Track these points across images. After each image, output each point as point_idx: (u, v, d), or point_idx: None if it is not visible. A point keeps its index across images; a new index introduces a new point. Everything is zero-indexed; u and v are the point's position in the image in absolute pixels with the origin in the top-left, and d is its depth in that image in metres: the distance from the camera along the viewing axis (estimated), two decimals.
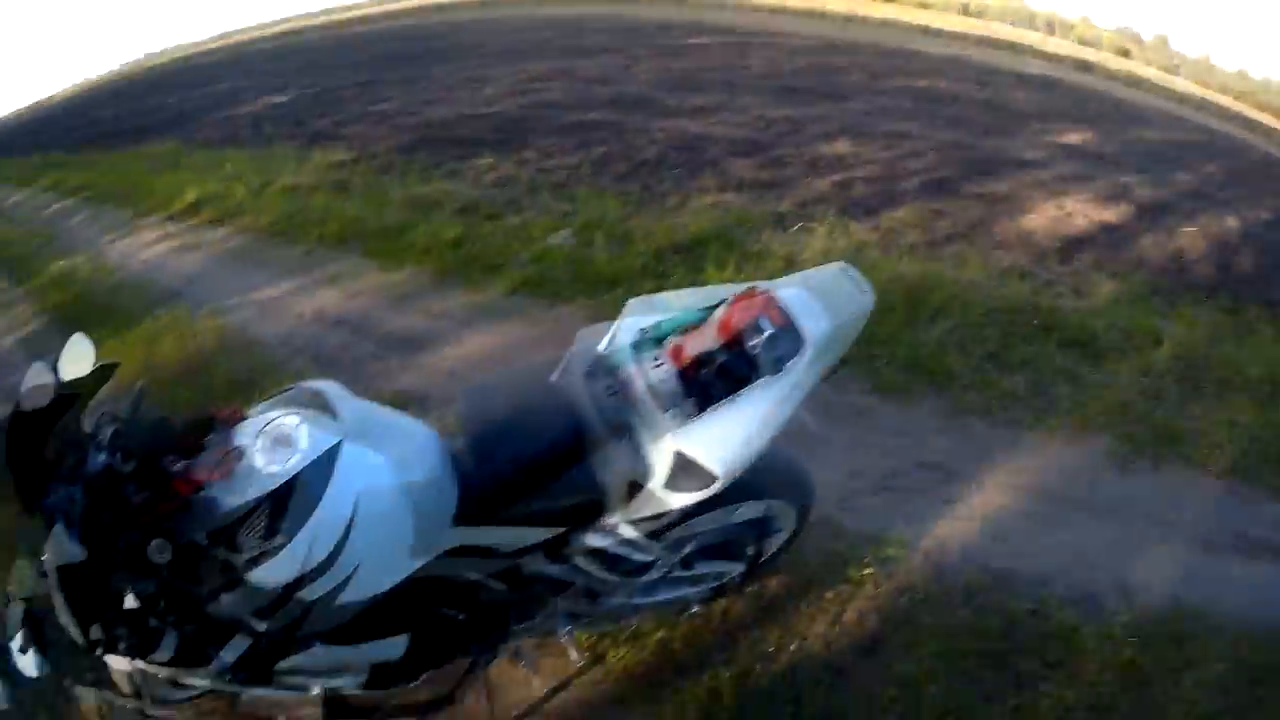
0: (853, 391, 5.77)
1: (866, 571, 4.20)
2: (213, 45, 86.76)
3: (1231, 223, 9.94)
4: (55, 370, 2.60)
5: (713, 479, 2.77)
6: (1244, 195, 11.28)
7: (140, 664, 2.79)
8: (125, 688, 3.42)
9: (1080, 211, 9.34)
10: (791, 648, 3.89)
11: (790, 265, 7.53)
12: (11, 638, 2.42)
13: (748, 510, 3.50)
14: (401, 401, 6.23)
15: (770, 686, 3.74)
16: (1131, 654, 3.71)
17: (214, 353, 8.10)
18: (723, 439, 2.76)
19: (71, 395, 2.49)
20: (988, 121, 13.28)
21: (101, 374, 2.59)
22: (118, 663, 3.21)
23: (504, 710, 3.92)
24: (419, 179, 12.87)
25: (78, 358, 2.68)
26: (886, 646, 3.86)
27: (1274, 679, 3.67)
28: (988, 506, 4.66)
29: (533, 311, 7.72)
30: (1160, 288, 7.92)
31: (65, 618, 2.48)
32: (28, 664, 2.42)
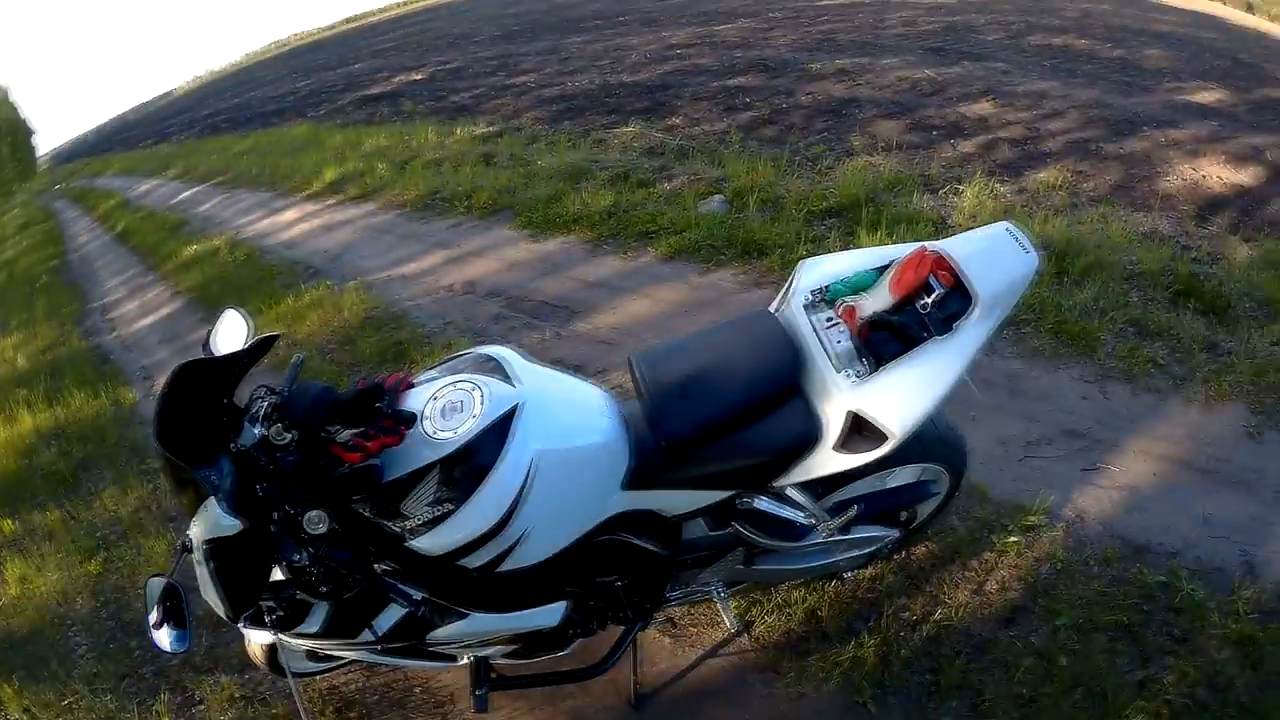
0: (1001, 356, 5.80)
1: (1010, 540, 4.26)
2: (343, 28, 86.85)
3: None
4: (208, 344, 2.77)
5: (888, 438, 2.86)
6: None
7: (288, 640, 2.90)
8: (260, 659, 3.66)
9: (1214, 174, 9.13)
10: (934, 617, 3.97)
11: (940, 227, 7.62)
12: (153, 617, 2.49)
13: (905, 474, 3.61)
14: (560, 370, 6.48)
15: (911, 656, 3.82)
16: (1251, 630, 3.70)
17: (360, 327, 8.39)
18: (898, 398, 2.84)
19: (228, 368, 2.56)
20: (1123, 80, 13.06)
21: (261, 346, 2.63)
22: (257, 635, 3.46)
23: (650, 677, 4.02)
24: (567, 148, 12.90)
25: (232, 332, 2.81)
26: (1025, 617, 3.92)
27: None
28: (1126, 475, 4.66)
29: (688, 277, 7.82)
30: None
31: (211, 593, 2.55)
32: (165, 638, 2.50)
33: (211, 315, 2.96)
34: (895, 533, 3.78)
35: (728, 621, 3.83)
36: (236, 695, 4.57)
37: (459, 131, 16.25)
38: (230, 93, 53.55)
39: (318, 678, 4.37)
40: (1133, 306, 6.19)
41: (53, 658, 5.38)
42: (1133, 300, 6.29)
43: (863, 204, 8.34)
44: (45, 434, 8.70)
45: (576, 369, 5.97)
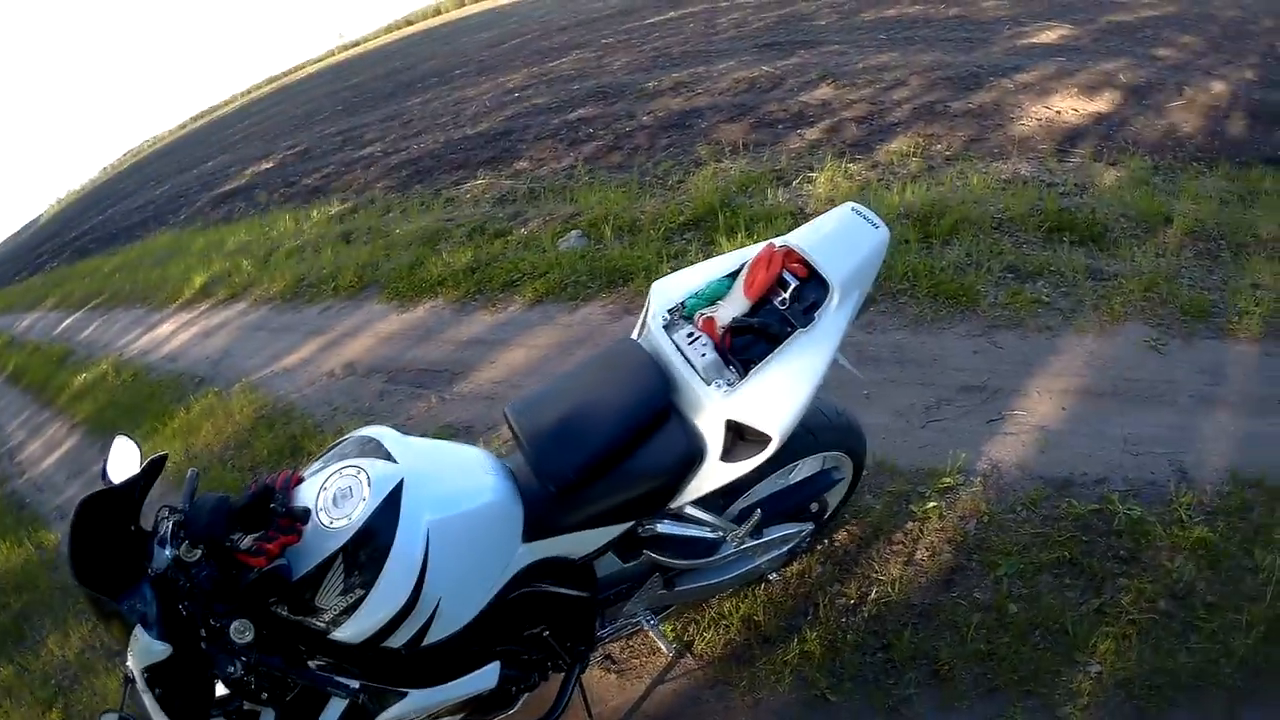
0: (883, 330, 5.80)
1: (930, 506, 4.24)
2: (192, 126, 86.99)
3: (1219, 89, 9.84)
4: (105, 475, 2.71)
5: (769, 440, 2.82)
6: (1225, 59, 11.16)
7: None
8: None
9: (1069, 107, 9.23)
10: (872, 596, 3.94)
11: (799, 218, 7.56)
12: None
13: (804, 467, 3.59)
14: (449, 435, 6.36)
15: (859, 639, 3.79)
16: (1201, 533, 3.74)
17: (253, 428, 8.24)
18: (770, 398, 2.82)
19: (126, 496, 2.51)
20: (961, 37, 13.22)
21: (152, 469, 2.60)
22: None
23: (606, 714, 3.97)
24: (420, 212, 12.95)
25: (124, 459, 2.78)
26: (963, 576, 3.90)
27: None
28: (1034, 417, 4.68)
29: (557, 317, 7.78)
30: (1161, 167, 7.87)
31: (159, 717, 2.49)
32: None
33: (111, 442, 2.83)
34: (809, 526, 3.75)
35: (664, 647, 3.79)
36: None
37: (315, 214, 16.26)
38: (93, 211, 53.28)
39: None
40: (1007, 252, 6.23)
41: None
42: (1006, 246, 6.33)
43: (718, 211, 8.34)
44: None
45: (467, 430, 5.95)
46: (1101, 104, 9.55)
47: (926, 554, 4.05)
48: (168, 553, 2.45)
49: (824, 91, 11.95)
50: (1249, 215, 6.57)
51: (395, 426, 3.06)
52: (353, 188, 17.37)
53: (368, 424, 3.35)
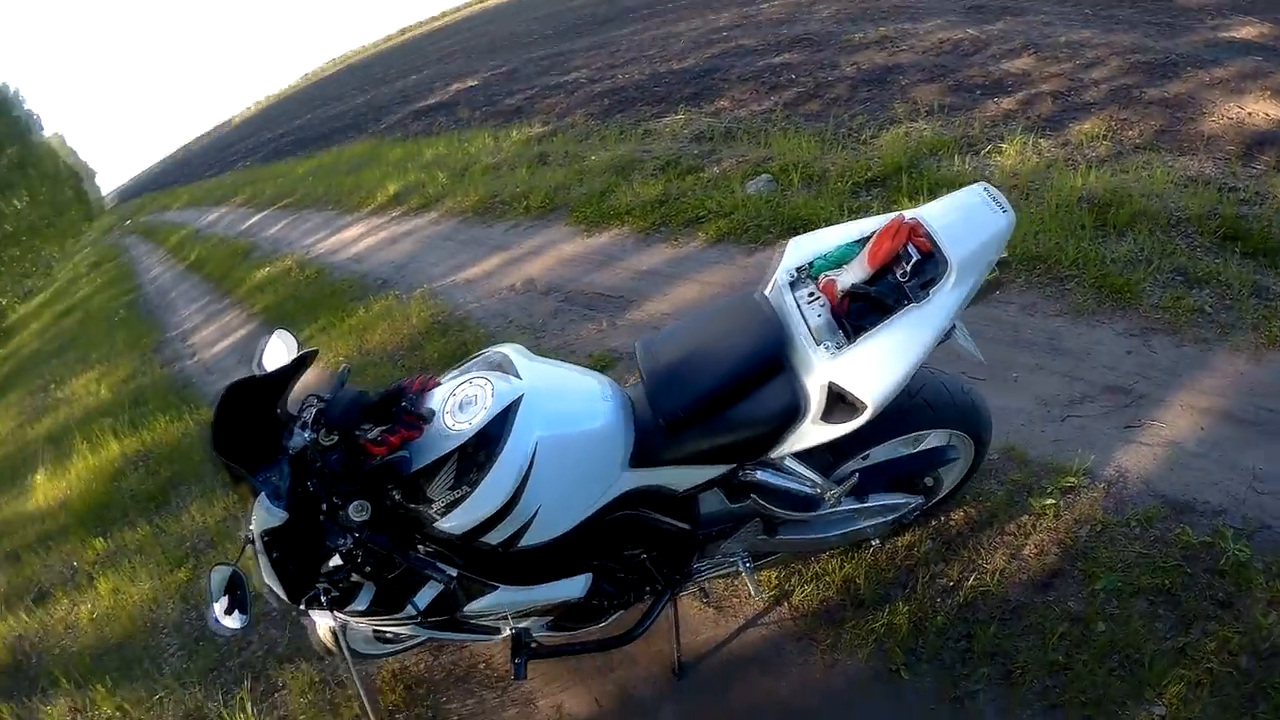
0: (1044, 315, 5.73)
1: (1048, 503, 4.20)
2: (398, 40, 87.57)
3: None
4: (259, 362, 3.06)
5: (863, 408, 2.92)
6: None
7: (341, 618, 3.07)
8: (328, 643, 3.94)
9: (1260, 110, 8.85)
10: (970, 583, 3.95)
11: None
12: (216, 600, 2.78)
13: (920, 441, 3.65)
14: (612, 360, 6.55)
15: (945, 623, 3.82)
16: None
17: (427, 332, 8.61)
18: (870, 368, 2.90)
19: (278, 383, 2.80)
20: (1164, 21, 12.84)
21: (301, 362, 2.86)
22: (320, 619, 3.75)
23: (690, 648, 4.14)
24: (617, 141, 13.05)
25: (280, 350, 3.09)
26: (1062, 581, 3.87)
27: None
28: (1170, 431, 4.54)
29: (735, 258, 7.89)
30: None
31: (269, 579, 2.90)
32: (231, 621, 2.77)
33: (299, 341, 3.10)
34: (918, 499, 3.85)
35: (752, 591, 3.92)
36: (315, 680, 4.83)
37: (514, 134, 16.50)
38: (290, 116, 54.34)
39: (389, 659, 4.64)
40: (1178, 254, 6.01)
41: (144, 658, 5.67)
42: (1178, 247, 6.10)
43: (904, 171, 8.31)
44: (132, 458, 9.08)
45: (630, 356, 5.95)
46: None
47: (1033, 551, 4.04)
48: (307, 435, 2.80)
49: (1024, 62, 11.72)
50: None
51: (563, 346, 3.24)
52: (554, 112, 17.61)
53: (533, 342, 3.51)
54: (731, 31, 19.81)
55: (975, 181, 3.11)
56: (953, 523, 4.27)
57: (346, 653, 3.05)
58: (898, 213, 3.15)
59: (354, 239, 14.61)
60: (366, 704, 3.02)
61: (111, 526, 7.73)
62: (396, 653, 4.47)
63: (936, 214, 3.05)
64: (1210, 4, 13.43)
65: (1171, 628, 3.54)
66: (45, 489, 10.07)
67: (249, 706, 4.80)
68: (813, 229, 7.35)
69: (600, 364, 6.67)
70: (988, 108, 10.36)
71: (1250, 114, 8.91)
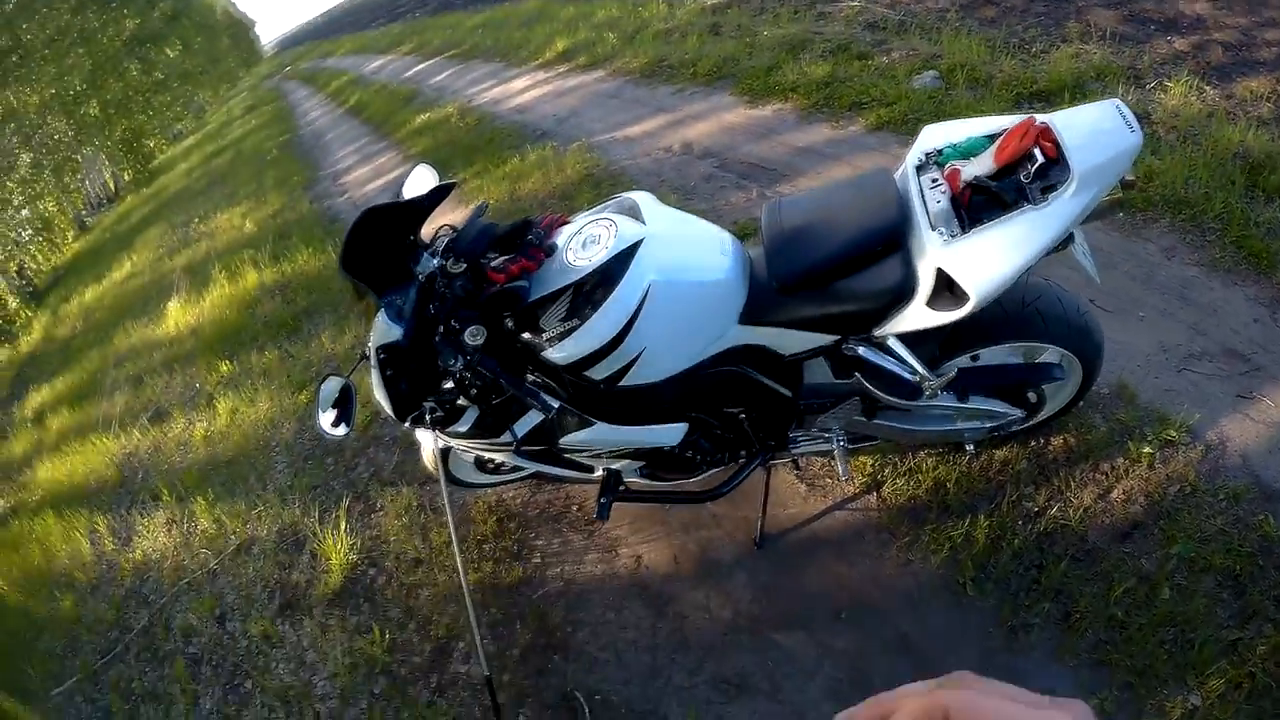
0: (1181, 261, 5.67)
1: (1145, 450, 4.22)
2: None
3: None
4: (399, 192, 3.28)
5: (967, 299, 3.01)
6: None
7: (444, 439, 3.40)
8: (431, 467, 4.28)
9: None
10: (1053, 513, 4.05)
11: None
12: (324, 409, 3.14)
13: (1028, 353, 3.73)
14: (754, 229, 6.59)
15: (1021, 547, 3.94)
16: None
17: (579, 183, 8.77)
18: (981, 260, 2.98)
19: (415, 211, 3.05)
20: None
21: (440, 192, 3.11)
22: (427, 442, 4.07)
23: (775, 520, 4.35)
24: (790, 21, 12.89)
25: (421, 182, 3.30)
26: (1140, 535, 3.92)
27: None
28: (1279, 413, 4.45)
29: (892, 147, 7.89)
30: None
31: (380, 393, 3.21)
32: (337, 430, 3.13)
33: (443, 176, 3.36)
34: (1018, 412, 3.91)
35: (841, 471, 4.00)
36: (413, 504, 5.14)
37: (689, 3, 16.34)
38: None
39: (489, 491, 4.93)
40: None
41: (252, 475, 6.02)
42: None
43: (1068, 89, 8.28)
44: (270, 288, 9.52)
45: (749, 239, 6.02)
46: None
47: (1121, 497, 4.09)
48: (435, 262, 3.06)
49: (1202, 6, 11.59)
50: None
51: (710, 210, 3.43)
52: None
53: (682, 203, 3.70)
54: None
55: (1135, 111, 3.16)
56: (1050, 448, 4.34)
57: (442, 475, 3.13)
58: (1029, 114, 3.19)
59: (518, 91, 14.71)
60: (451, 528, 3.13)
61: (240, 351, 8.17)
62: (497, 484, 4.75)
63: (1068, 122, 3.08)
64: None
65: (1231, 617, 3.56)
66: (178, 316, 10.71)
67: (343, 524, 5.14)
68: None
69: (743, 232, 6.74)
70: (1159, 44, 10.14)
71: None
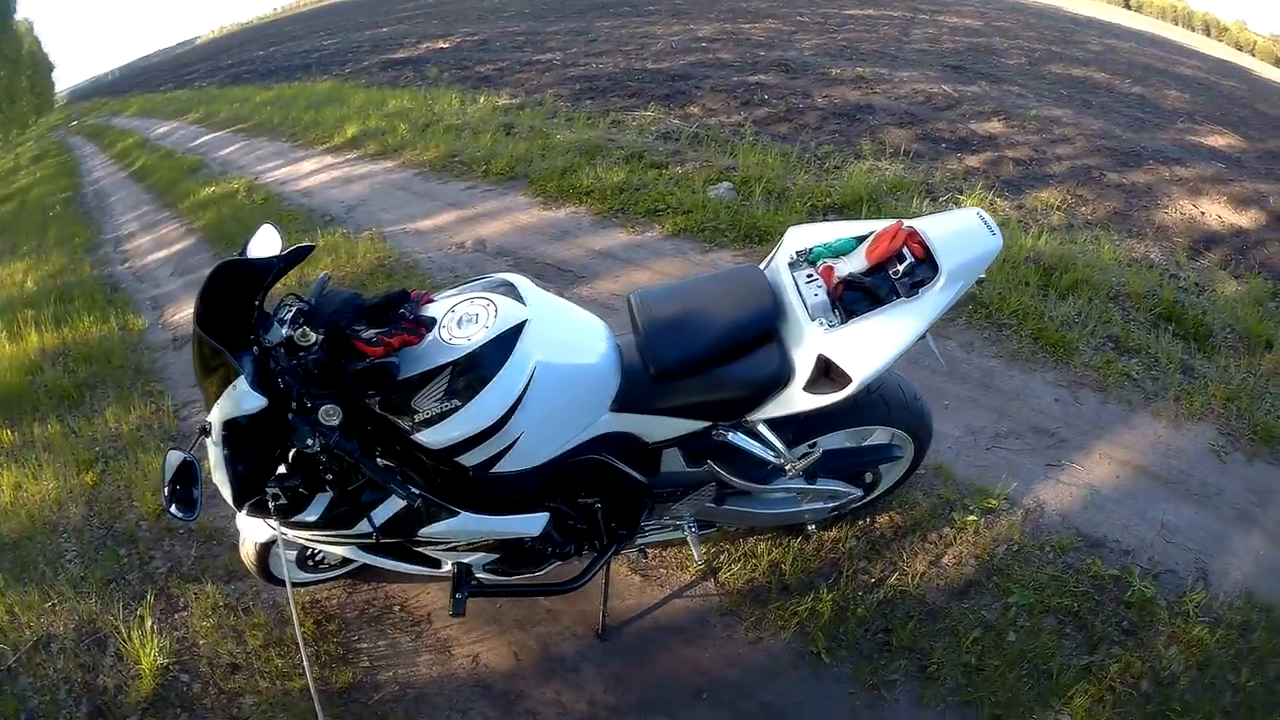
0: (980, 354, 5.96)
1: (969, 519, 4.42)
2: None
3: None
4: (243, 252, 2.93)
5: (849, 381, 3.09)
6: None
7: (284, 530, 3.09)
8: (252, 563, 4.02)
9: (1214, 212, 9.16)
10: (891, 581, 4.13)
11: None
12: (166, 484, 2.79)
13: (870, 435, 3.88)
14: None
15: (866, 615, 4.00)
16: (1200, 633, 3.86)
17: (372, 272, 8.52)
18: (862, 347, 3.08)
19: (260, 273, 2.75)
20: (1137, 116, 13.16)
21: (296, 255, 2.82)
22: (249, 533, 3.82)
23: (619, 612, 4.24)
24: (586, 125, 13.09)
25: (265, 245, 2.97)
26: (978, 592, 4.09)
27: None
28: (1089, 475, 4.81)
29: (690, 254, 7.97)
30: (1279, 295, 7.80)
31: (220, 474, 2.84)
32: (176, 510, 2.78)
33: (226, 252, 3.20)
34: (857, 491, 4.01)
35: (696, 555, 4.05)
36: (220, 603, 4.71)
37: (481, 101, 16.48)
38: (255, 44, 53.65)
39: (301, 591, 4.57)
40: (1114, 323, 6.30)
41: (40, 561, 5.45)
42: (1114, 318, 6.40)
43: (864, 203, 8.51)
44: (50, 353, 8.77)
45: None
46: (1245, 220, 9.48)
47: (953, 561, 4.25)
48: (284, 332, 2.75)
49: (993, 126, 12.02)
50: None
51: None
52: (524, 86, 17.68)
53: (500, 271, 3.66)
54: (711, 44, 20.06)
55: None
56: (879, 525, 4.45)
57: (287, 573, 3.10)
58: (898, 219, 3.36)
59: (306, 173, 14.38)
60: (299, 631, 2.94)
61: (21, 420, 7.57)
62: (319, 582, 4.49)
63: (933, 226, 3.27)
64: (1185, 109, 13.83)
65: (1078, 646, 3.81)
66: None
67: (148, 622, 4.69)
68: (769, 239, 7.58)
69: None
70: (951, 162, 10.66)
71: (1204, 213, 9.27)
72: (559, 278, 7.89)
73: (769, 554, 4.34)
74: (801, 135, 11.93)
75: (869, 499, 4.26)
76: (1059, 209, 8.85)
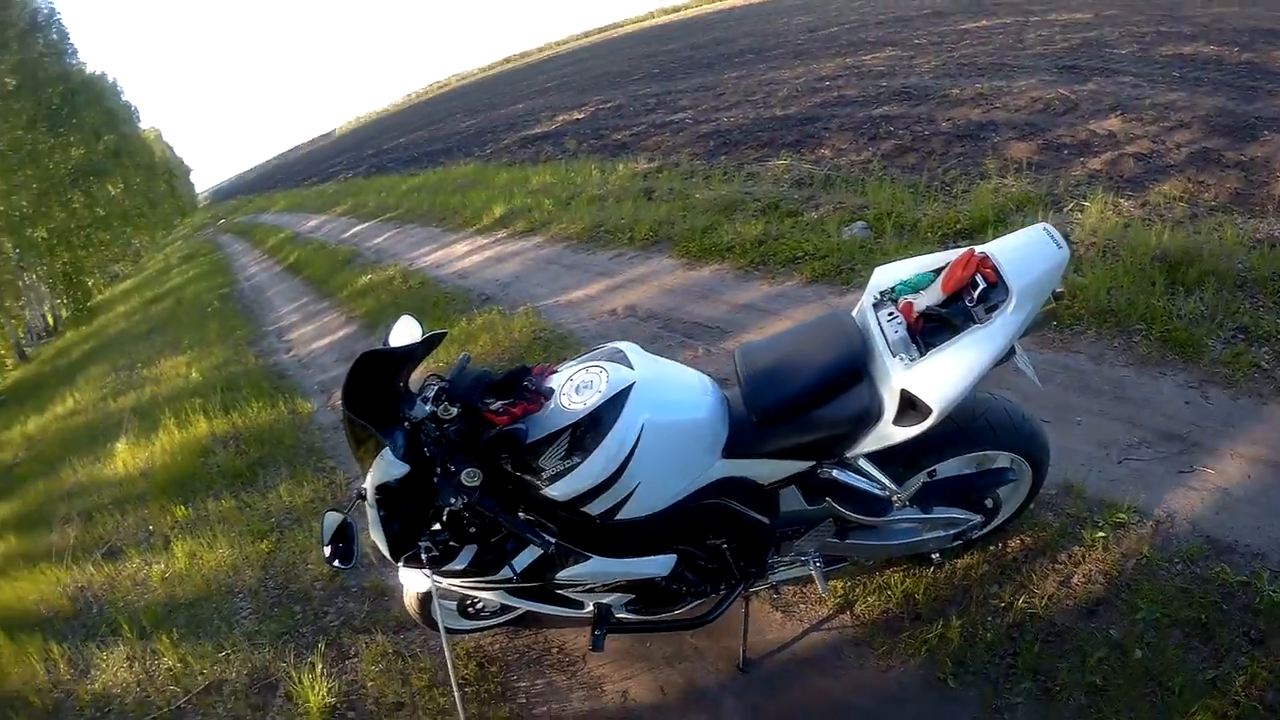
0: (1110, 365, 5.85)
1: (1099, 535, 4.33)
2: (502, 68, 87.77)
3: None
4: (386, 341, 3.41)
5: (930, 411, 3.21)
6: None
7: (436, 580, 3.40)
8: (415, 612, 4.35)
9: None
10: (1020, 604, 4.11)
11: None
12: (325, 544, 3.23)
13: (983, 460, 3.92)
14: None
15: (994, 640, 4.00)
16: None
17: (528, 345, 8.84)
18: (938, 377, 3.20)
19: (401, 359, 3.17)
20: (1247, 85, 12.77)
21: (432, 341, 3.25)
22: (412, 586, 4.17)
23: (759, 646, 4.36)
24: (721, 181, 13.27)
25: (406, 332, 3.44)
26: (1106, 609, 4.01)
27: None
28: (1220, 478, 4.63)
29: (828, 298, 8.07)
30: None
31: (376, 532, 3.24)
32: (338, 561, 3.23)
33: (395, 321, 3.52)
34: (977, 517, 4.06)
35: (821, 589, 4.11)
36: (389, 651, 5.06)
37: (620, 168, 16.71)
38: (394, 132, 54.63)
39: (466, 637, 4.87)
40: (1242, 312, 6.07)
41: (216, 617, 5.85)
42: (1243, 306, 6.16)
43: (990, 225, 8.50)
44: (221, 437, 9.37)
45: (724, 380, 6.19)
46: None
47: (1082, 580, 4.18)
48: (428, 408, 3.16)
49: (1112, 123, 11.79)
50: None
51: None
52: (660, 149, 17.88)
53: (613, 340, 3.89)
54: (834, 81, 20.08)
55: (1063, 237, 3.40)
56: (1009, 549, 4.44)
57: (439, 611, 3.38)
58: (969, 247, 3.47)
59: (459, 255, 14.91)
60: (451, 671, 3.23)
61: (194, 497, 8.03)
62: (480, 629, 4.79)
63: (1002, 248, 3.36)
64: None
65: (1204, 659, 3.68)
66: (126, 457, 10.43)
67: (319, 667, 5.03)
68: None
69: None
70: (1074, 168, 10.48)
71: None
72: (706, 335, 8.09)
73: (902, 585, 4.40)
74: (928, 163, 11.85)
75: (994, 524, 4.28)
76: (1181, 199, 8.64)
